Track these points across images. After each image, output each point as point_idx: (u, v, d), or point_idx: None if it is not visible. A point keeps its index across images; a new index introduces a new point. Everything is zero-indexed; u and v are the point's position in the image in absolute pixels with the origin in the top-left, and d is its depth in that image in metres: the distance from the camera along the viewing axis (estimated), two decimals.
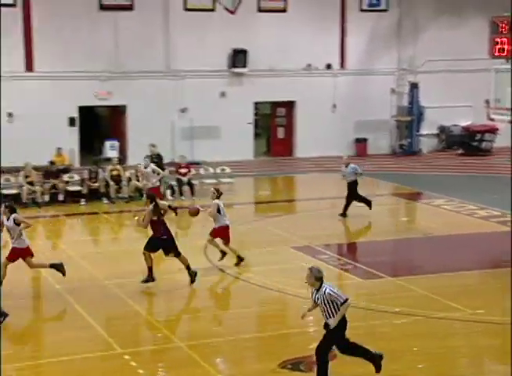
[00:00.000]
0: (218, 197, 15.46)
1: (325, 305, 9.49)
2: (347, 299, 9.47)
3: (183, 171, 23.99)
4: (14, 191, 22.78)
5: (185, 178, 23.80)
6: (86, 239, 19.37)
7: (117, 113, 28.94)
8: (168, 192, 23.72)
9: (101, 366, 10.50)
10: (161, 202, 14.75)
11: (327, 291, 9.43)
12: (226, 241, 15.47)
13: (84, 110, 28.09)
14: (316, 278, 9.54)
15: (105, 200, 23.06)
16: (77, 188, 23.37)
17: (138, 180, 23.19)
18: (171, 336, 11.52)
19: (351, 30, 30.39)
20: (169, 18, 28.35)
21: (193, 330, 12.06)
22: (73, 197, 22.98)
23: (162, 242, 14.03)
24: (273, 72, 29.30)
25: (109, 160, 25.26)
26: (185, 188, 23.73)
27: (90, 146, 28.67)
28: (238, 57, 28.97)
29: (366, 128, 30.66)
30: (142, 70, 27.82)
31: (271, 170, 28.11)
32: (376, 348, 9.95)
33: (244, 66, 29.08)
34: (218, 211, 15.30)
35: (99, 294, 13.66)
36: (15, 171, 23.70)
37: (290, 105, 30.50)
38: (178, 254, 14.17)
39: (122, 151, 27.70)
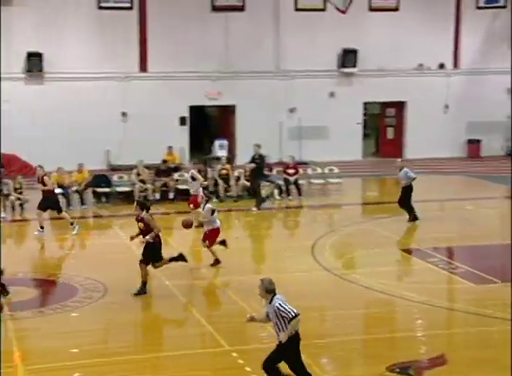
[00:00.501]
0: (206, 201, 15.81)
1: (276, 318, 9.05)
2: (296, 315, 8.96)
3: (291, 171, 24.07)
4: (127, 189, 23.46)
5: (292, 179, 23.88)
6: (195, 237, 19.67)
7: (227, 112, 29.34)
8: (276, 192, 23.86)
9: (210, 363, 10.68)
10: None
11: (276, 304, 8.99)
12: (211, 244, 15.43)
13: (194, 110, 28.64)
14: (267, 290, 9.10)
15: (214, 199, 23.41)
16: (187, 186, 23.80)
17: (247, 180, 23.43)
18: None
19: (465, 29, 29.74)
20: (279, 18, 28.53)
21: (299, 330, 12.05)
22: (182, 195, 23.44)
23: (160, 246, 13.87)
24: (383, 72, 29.02)
25: (218, 159, 25.66)
26: (293, 188, 23.83)
27: (200, 145, 29.18)
28: (348, 57, 28.84)
29: (479, 129, 29.92)
30: (251, 70, 28.10)
31: (379, 171, 27.83)
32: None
33: (354, 66, 28.92)
34: (212, 213, 15.39)
35: (207, 291, 13.90)
36: (128, 169, 24.42)
37: (400, 105, 30.12)
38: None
39: (231, 150, 28.06)
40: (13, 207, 21.88)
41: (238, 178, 23.86)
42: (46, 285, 14.62)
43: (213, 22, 28.10)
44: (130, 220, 19.63)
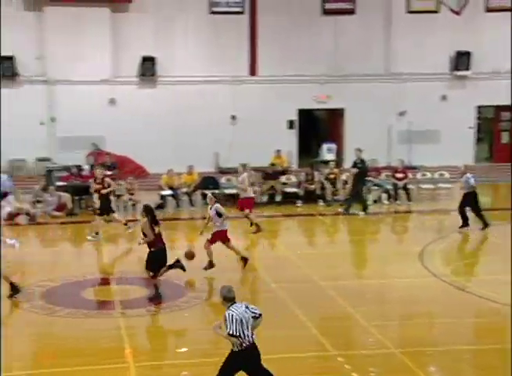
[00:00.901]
0: (215, 202, 15.37)
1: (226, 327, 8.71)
2: (231, 335, 8.47)
3: (399, 175, 23.75)
4: (234, 191, 23.70)
5: (401, 183, 23.55)
6: (302, 240, 19.74)
7: (335, 116, 29.23)
8: (383, 196, 23.59)
9: (315, 367, 10.62)
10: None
11: (226, 313, 8.61)
12: (210, 243, 15.18)
13: (303, 113, 28.67)
14: (224, 298, 8.69)
15: (321, 203, 23.38)
16: (294, 190, 23.89)
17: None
18: (385, 341, 11.44)
19: None
20: (391, 21, 28.21)
21: (407, 337, 11.87)
22: (289, 199, 23.52)
23: (164, 252, 13.66)
24: (498, 75, 28.19)
25: (326, 162, 25.58)
26: (401, 193, 23.49)
27: (308, 148, 29.19)
28: (461, 59, 28.23)
29: None
30: (361, 73, 27.89)
31: (493, 176, 27.07)
32: None
33: (467, 68, 28.26)
34: (219, 215, 15.10)
35: (313, 295, 13.85)
36: (236, 172, 24.65)
37: None
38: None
39: (339, 154, 27.93)
40: (125, 208, 22.50)
41: (345, 182, 23.73)
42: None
43: (323, 25, 28.07)
44: (237, 222, 19.90)
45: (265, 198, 23.61)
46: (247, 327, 8.59)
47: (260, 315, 8.83)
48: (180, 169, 23.56)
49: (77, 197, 22.34)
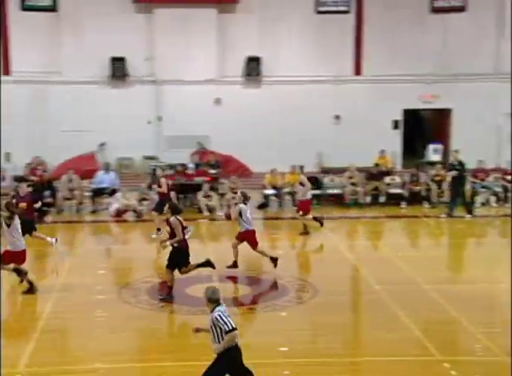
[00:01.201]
0: (243, 202, 14.99)
1: (212, 329, 8.54)
2: (233, 329, 8.43)
3: (510, 177, 23.00)
4: (338, 191, 23.55)
5: (510, 185, 22.80)
6: (405, 242, 19.39)
7: (442, 116, 28.60)
8: (492, 199, 22.91)
9: (420, 372, 10.35)
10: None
11: (215, 315, 8.47)
12: (253, 246, 15.06)
13: (408, 113, 28.18)
14: (209, 299, 8.58)
15: (426, 204, 22.92)
16: (399, 191, 23.51)
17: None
18: (493, 348, 11.05)
19: None
20: (504, 19, 27.37)
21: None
22: (393, 200, 23.16)
23: (188, 251, 13.42)
24: None
25: (431, 163, 25.06)
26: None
27: (413, 149, 28.68)
28: None
29: None
30: (469, 72, 27.18)
31: None
32: None
33: None
34: (240, 215, 14.80)
35: (416, 297, 13.54)
36: (339, 172, 24.51)
37: None
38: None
39: (445, 155, 27.32)
40: (228, 206, 22.68)
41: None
42: (258, 283, 14.96)
43: (431, 23, 27.54)
44: (341, 222, 19.78)
45: (368, 199, 23.34)
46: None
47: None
48: (283, 169, 23.57)
49: (181, 195, 22.68)
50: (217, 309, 8.53)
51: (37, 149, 25.27)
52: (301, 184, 19.18)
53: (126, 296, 13.53)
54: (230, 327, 8.41)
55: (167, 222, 13.43)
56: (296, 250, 18.33)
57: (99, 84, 27.07)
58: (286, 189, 23.19)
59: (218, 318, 8.44)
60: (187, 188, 22.51)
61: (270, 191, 23.12)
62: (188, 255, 13.38)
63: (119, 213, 21.58)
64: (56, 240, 15.82)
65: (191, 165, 24.45)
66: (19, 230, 13.34)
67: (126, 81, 27.26)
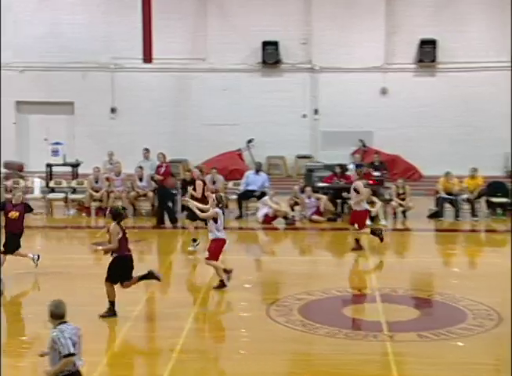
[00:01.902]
0: (218, 205, 14.60)
1: (49, 349, 8.25)
2: (70, 354, 8.10)
3: None
4: None
5: None
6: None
7: None
8: None
9: None
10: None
11: (53, 334, 8.15)
12: (210, 258, 14.77)
13: None
14: (51, 314, 8.24)
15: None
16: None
17: None
18: None
19: None
20: None
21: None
22: None
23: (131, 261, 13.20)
24: None
25: None
26: None
27: None
28: None
29: None
30: None
31: None
32: None
33: None
34: (215, 221, 14.53)
35: None
36: None
37: None
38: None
39: None
40: (395, 215, 22.35)
41: None
42: (428, 306, 14.58)
43: None
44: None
45: None
46: (78, 349, 8.31)
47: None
48: (460, 172, 22.95)
49: (339, 200, 22.55)
50: (58, 327, 8.25)
51: (176, 144, 25.95)
52: (356, 191, 18.24)
53: (275, 314, 13.54)
54: (67, 352, 8.15)
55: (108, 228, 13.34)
56: (476, 268, 17.78)
57: (247, 71, 27.43)
58: (464, 196, 22.55)
59: (56, 339, 8.17)
60: (346, 192, 22.35)
61: (444, 198, 22.56)
62: (131, 268, 13.26)
63: (268, 219, 21.73)
64: (38, 256, 16.07)
65: (351, 166, 24.26)
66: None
67: (278, 68, 27.44)
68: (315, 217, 21.98)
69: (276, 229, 21.55)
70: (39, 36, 27.77)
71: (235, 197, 23.28)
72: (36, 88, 28.04)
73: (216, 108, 27.23)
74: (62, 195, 23.93)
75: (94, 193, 23.08)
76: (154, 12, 27.67)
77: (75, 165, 25.43)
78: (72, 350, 8.14)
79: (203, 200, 16.59)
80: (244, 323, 13.12)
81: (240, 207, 22.98)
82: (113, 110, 28.22)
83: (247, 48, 27.29)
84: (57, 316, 8.28)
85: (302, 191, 22.56)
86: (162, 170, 22.08)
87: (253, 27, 27.02)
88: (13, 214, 15.70)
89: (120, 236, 12.99)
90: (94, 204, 23.27)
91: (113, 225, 13.11)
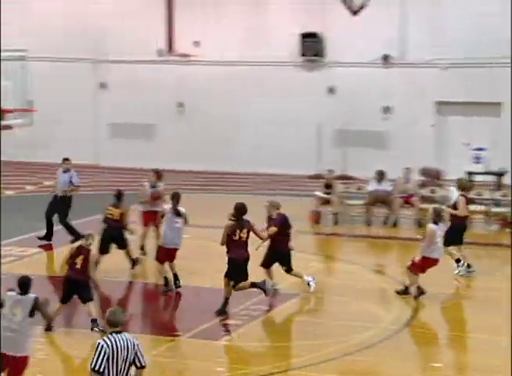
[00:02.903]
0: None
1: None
2: (94, 370, 8.31)
3: None
4: None
5: None
6: None
7: None
8: None
9: None
10: None
11: (98, 341, 8.55)
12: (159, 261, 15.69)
13: None
14: (107, 321, 8.61)
15: None
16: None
17: None
18: None
19: None
20: None
21: None
22: None
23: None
24: None
25: None
26: None
27: None
28: None
29: None
30: None
31: None
32: None
33: None
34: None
35: None
36: None
37: None
38: None
39: None
40: None
41: None
42: None
43: None
44: None
45: None
46: (117, 366, 8.40)
47: (143, 366, 8.60)
48: None
49: None
50: (109, 336, 8.49)
51: None
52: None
53: None
54: (93, 366, 8.42)
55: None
56: None
57: None
58: None
59: (96, 346, 8.46)
60: None
61: None
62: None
63: None
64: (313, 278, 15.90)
65: None
66: None
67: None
68: None
69: None
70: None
71: None
72: (458, 88, 26.84)
73: None
74: (482, 207, 21.94)
75: None
76: None
77: (499, 174, 23.80)
78: (97, 367, 8.39)
79: None
80: None
81: None
82: None
83: None
84: (112, 323, 8.61)
85: None
86: None
87: None
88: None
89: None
90: None
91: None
